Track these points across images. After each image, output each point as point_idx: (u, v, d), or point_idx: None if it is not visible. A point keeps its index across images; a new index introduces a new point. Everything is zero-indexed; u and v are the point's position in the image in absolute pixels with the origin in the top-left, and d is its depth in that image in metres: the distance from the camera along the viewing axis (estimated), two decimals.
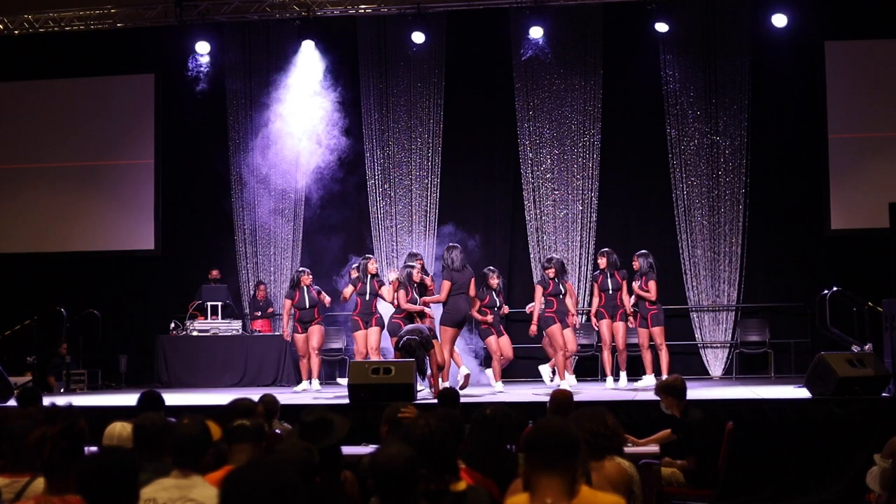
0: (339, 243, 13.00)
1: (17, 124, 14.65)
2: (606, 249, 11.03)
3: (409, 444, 3.45)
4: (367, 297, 10.63)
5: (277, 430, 5.91)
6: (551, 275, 10.42)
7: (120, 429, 4.83)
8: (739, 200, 13.08)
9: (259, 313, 13.44)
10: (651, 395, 9.34)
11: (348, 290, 10.67)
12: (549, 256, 11.03)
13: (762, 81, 13.21)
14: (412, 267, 10.28)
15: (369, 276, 10.65)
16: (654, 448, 6.52)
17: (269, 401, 6.35)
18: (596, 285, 10.87)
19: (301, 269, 11.55)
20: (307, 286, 11.12)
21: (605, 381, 11.06)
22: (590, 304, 11.12)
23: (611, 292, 10.75)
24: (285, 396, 9.36)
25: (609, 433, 4.36)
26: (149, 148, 14.41)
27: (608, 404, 6.55)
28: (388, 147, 13.75)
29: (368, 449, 5.76)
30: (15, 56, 14.33)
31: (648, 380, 10.51)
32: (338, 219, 13.47)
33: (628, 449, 5.14)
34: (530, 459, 3.10)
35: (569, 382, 10.00)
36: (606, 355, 10.99)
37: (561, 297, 10.39)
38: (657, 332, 10.63)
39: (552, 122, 13.46)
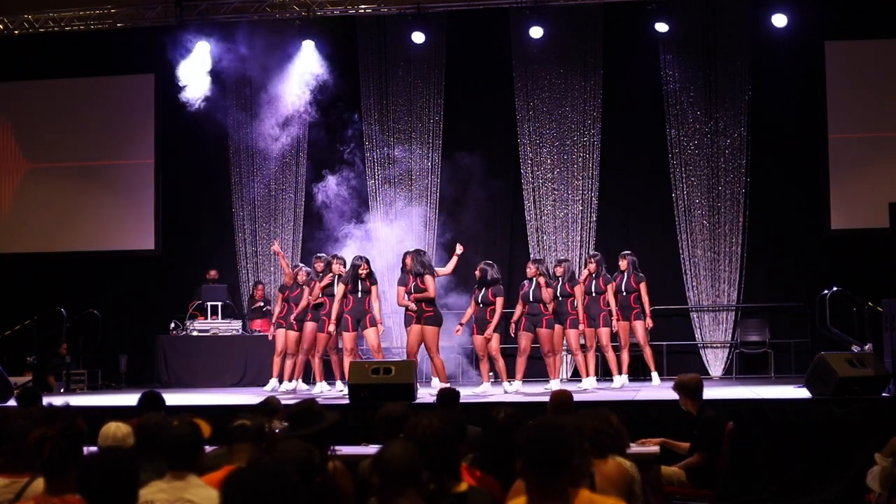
0: (339, 243, 12.98)
1: (17, 124, 14.66)
2: (627, 252, 11.08)
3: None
4: (360, 296, 10.33)
5: (277, 430, 5.88)
6: (559, 273, 10.61)
7: (115, 429, 4.83)
8: (739, 200, 13.09)
9: (259, 312, 13.44)
10: (651, 396, 9.39)
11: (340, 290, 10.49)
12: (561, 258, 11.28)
13: (762, 81, 13.21)
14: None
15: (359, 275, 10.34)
16: (655, 448, 6.51)
17: (268, 401, 6.34)
18: (612, 286, 10.89)
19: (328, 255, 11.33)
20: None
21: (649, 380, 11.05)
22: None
23: (624, 294, 10.80)
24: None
25: (612, 432, 4.38)
26: (149, 148, 14.42)
27: (609, 404, 6.56)
28: (388, 147, 13.75)
29: (369, 449, 5.76)
30: (15, 56, 14.33)
31: (591, 381, 10.63)
32: (338, 219, 13.46)
33: (629, 449, 5.13)
34: (523, 466, 3.08)
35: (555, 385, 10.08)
36: (624, 355, 10.99)
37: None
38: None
39: (552, 122, 13.47)
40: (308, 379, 11.29)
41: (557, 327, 10.53)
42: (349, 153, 13.40)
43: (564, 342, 10.93)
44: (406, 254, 10.44)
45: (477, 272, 10.23)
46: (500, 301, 10.11)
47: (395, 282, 10.62)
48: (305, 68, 13.19)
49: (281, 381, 10.89)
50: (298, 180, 14.06)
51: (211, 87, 13.37)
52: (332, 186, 13.18)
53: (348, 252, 11.48)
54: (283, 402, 5.98)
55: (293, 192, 14.06)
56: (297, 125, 13.84)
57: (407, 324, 10.18)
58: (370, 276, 10.41)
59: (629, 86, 13.55)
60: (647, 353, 11.02)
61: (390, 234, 12.99)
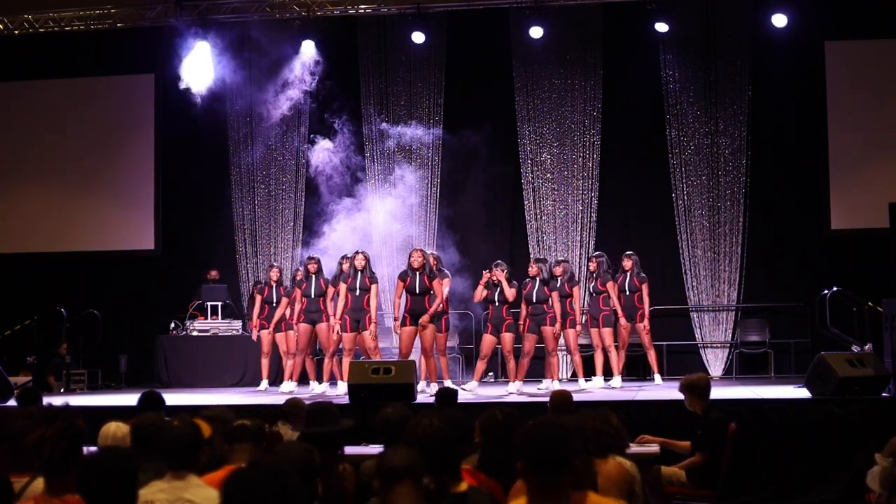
0: (339, 242, 12.98)
1: (17, 124, 14.65)
2: (631, 252, 11.11)
3: (409, 445, 3.44)
4: (358, 294, 10.24)
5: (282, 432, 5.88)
6: (558, 273, 10.65)
7: (115, 428, 4.83)
8: (739, 200, 13.08)
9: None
10: (651, 396, 9.39)
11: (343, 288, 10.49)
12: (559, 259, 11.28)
13: (762, 81, 13.21)
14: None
15: (358, 272, 10.27)
16: (655, 448, 6.52)
17: (293, 404, 6.32)
18: (611, 284, 10.91)
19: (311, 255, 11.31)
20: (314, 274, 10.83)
21: (653, 380, 11.16)
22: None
23: (628, 293, 10.82)
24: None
25: (613, 432, 4.37)
26: (149, 148, 14.42)
27: (609, 404, 6.56)
28: (388, 147, 13.75)
29: (369, 449, 5.77)
30: (15, 56, 14.33)
31: (598, 381, 10.71)
32: (337, 218, 13.45)
33: (629, 450, 5.13)
34: (523, 466, 3.07)
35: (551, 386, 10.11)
36: (622, 356, 11.00)
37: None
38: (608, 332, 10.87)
39: (552, 122, 13.47)
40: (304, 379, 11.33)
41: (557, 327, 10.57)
42: (349, 153, 13.39)
43: (561, 342, 10.94)
44: (417, 251, 10.36)
45: (498, 275, 10.15)
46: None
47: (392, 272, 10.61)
48: (306, 69, 13.18)
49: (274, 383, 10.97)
50: (298, 180, 14.06)
51: (211, 87, 13.35)
52: (331, 184, 13.17)
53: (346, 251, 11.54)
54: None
55: (293, 191, 14.06)
56: (297, 125, 13.85)
57: (402, 324, 10.14)
58: (371, 275, 10.35)
59: (629, 86, 13.55)
60: (652, 355, 11.04)
61: (388, 225, 13.00)
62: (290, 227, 14.05)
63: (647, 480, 5.06)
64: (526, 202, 13.48)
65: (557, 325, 10.34)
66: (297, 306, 10.82)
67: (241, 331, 12.90)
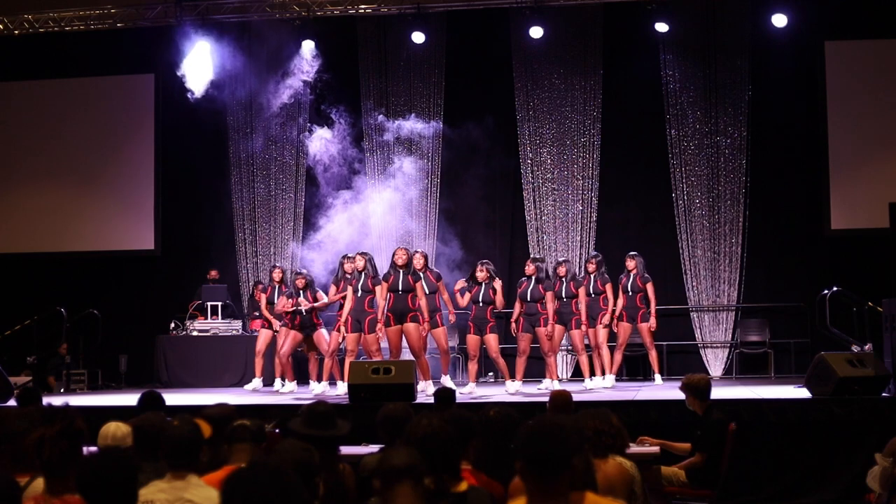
0: (338, 241, 12.98)
1: (16, 124, 14.65)
2: (634, 252, 11.08)
3: (409, 444, 3.44)
4: (360, 295, 10.17)
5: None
6: (562, 273, 10.65)
7: (114, 428, 4.83)
8: (739, 200, 13.09)
9: (258, 313, 13.42)
10: (650, 396, 9.39)
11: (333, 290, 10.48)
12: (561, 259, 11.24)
13: (762, 81, 13.22)
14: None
15: (360, 273, 10.19)
16: (655, 449, 6.52)
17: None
18: (619, 286, 10.91)
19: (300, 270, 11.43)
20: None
21: (653, 379, 11.17)
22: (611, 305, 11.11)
23: (631, 294, 10.82)
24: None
25: (613, 432, 4.38)
26: (149, 148, 14.42)
27: (609, 404, 6.56)
28: (389, 147, 13.75)
29: (368, 449, 5.77)
30: (15, 56, 14.33)
31: (598, 381, 10.71)
32: (337, 218, 13.45)
33: (629, 450, 5.13)
34: (521, 466, 3.07)
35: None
36: (618, 356, 11.01)
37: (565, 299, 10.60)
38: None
39: (552, 122, 13.47)
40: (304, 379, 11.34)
41: (557, 327, 10.54)
42: (348, 154, 13.41)
43: (566, 342, 10.92)
44: (401, 249, 10.30)
45: (482, 273, 10.17)
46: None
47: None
48: (305, 69, 13.17)
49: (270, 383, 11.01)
50: (298, 180, 14.08)
51: (211, 87, 13.34)
52: (331, 184, 13.18)
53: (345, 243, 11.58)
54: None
55: (293, 191, 14.07)
56: (297, 126, 13.86)
57: (386, 324, 10.00)
58: (374, 276, 10.30)
59: (629, 86, 13.55)
60: (653, 356, 11.03)
61: (387, 218, 12.98)
62: (290, 226, 14.06)
63: (646, 480, 5.06)
64: (526, 202, 13.49)
65: (550, 326, 10.32)
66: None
67: (241, 331, 12.90)
